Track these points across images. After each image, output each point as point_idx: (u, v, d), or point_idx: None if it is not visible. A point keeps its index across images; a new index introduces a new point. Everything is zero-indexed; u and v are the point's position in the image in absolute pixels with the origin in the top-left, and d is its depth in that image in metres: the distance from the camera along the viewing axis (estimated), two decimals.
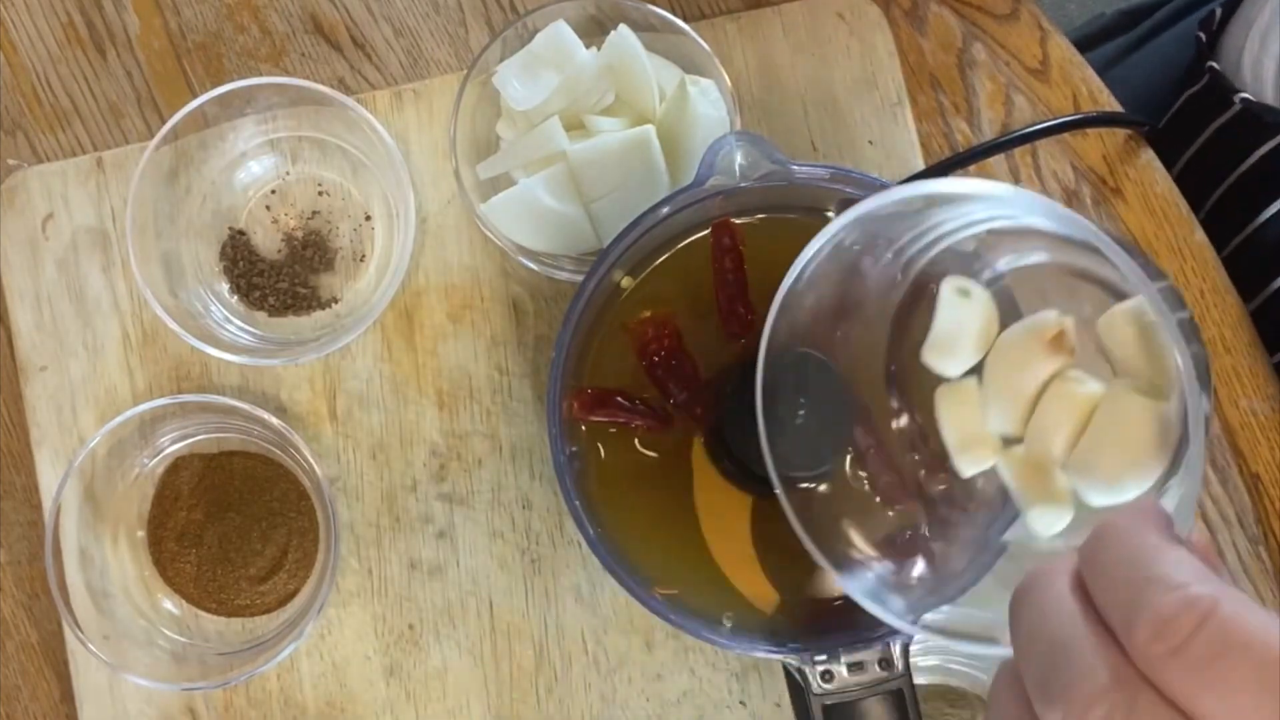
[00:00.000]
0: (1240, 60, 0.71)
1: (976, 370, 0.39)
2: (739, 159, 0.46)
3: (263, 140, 0.60)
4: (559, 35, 0.56)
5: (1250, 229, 0.68)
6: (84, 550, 0.56)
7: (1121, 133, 0.62)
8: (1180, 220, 0.61)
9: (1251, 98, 0.69)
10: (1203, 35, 0.75)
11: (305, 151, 0.60)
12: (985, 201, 0.37)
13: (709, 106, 0.55)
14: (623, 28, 0.55)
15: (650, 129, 0.55)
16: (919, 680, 0.59)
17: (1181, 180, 0.63)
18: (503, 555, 0.58)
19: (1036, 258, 0.40)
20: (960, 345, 0.38)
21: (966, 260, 0.40)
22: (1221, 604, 0.27)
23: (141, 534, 0.58)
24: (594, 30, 0.58)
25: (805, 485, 0.43)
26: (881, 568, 0.42)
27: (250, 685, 0.57)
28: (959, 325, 0.38)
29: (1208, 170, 0.71)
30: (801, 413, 0.45)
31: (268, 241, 0.60)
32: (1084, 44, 0.84)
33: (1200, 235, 0.61)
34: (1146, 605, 0.27)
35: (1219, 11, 0.71)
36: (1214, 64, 0.73)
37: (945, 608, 0.39)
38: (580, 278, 0.56)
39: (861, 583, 0.40)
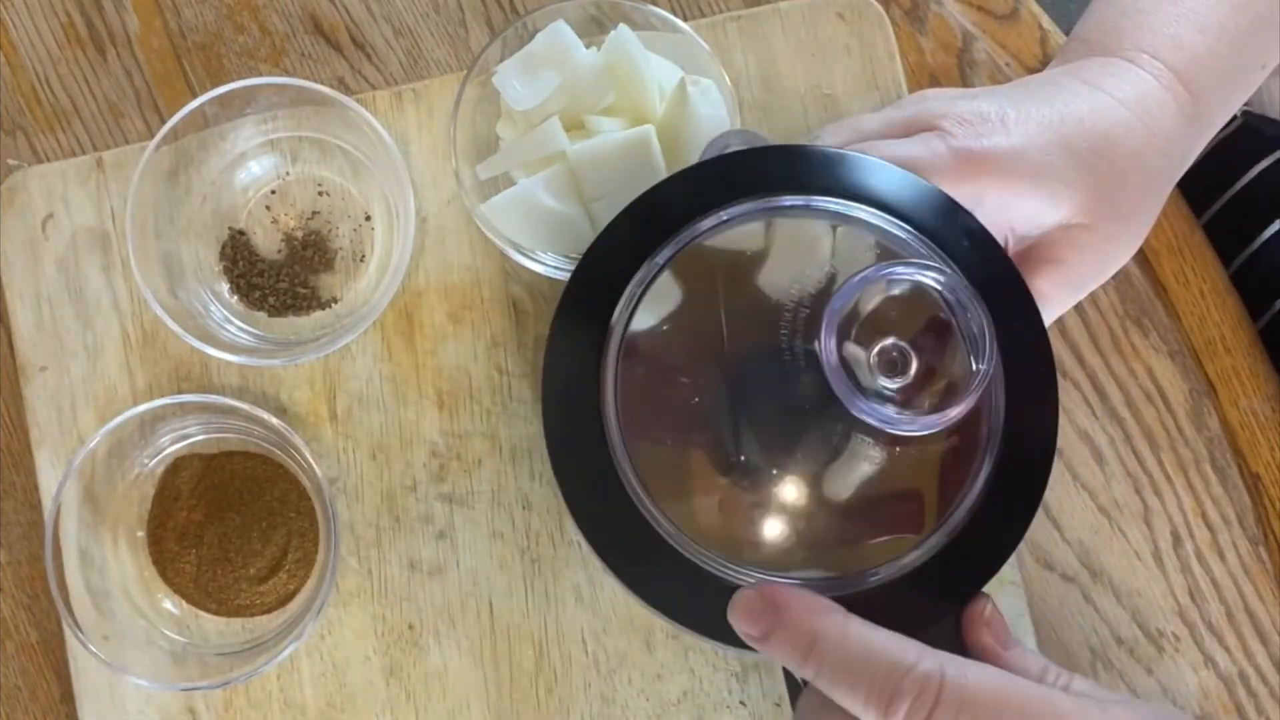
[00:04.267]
0: None
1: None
2: None
3: (263, 140, 0.60)
4: (559, 35, 0.56)
5: (1254, 246, 0.68)
6: (84, 550, 0.56)
7: None
8: (1180, 220, 0.61)
9: (1253, 110, 0.69)
10: None
11: (305, 151, 0.60)
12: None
13: (709, 106, 0.55)
14: (623, 27, 0.55)
15: (650, 129, 0.55)
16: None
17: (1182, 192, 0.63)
18: (503, 555, 0.58)
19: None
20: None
21: None
22: (945, 668, 0.36)
23: (141, 534, 0.58)
24: (594, 30, 0.58)
25: None
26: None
27: (250, 685, 0.57)
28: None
29: (1208, 183, 0.71)
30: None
31: (268, 241, 0.60)
32: None
33: (1200, 235, 0.61)
34: (896, 691, 0.36)
35: None
36: None
37: None
38: None
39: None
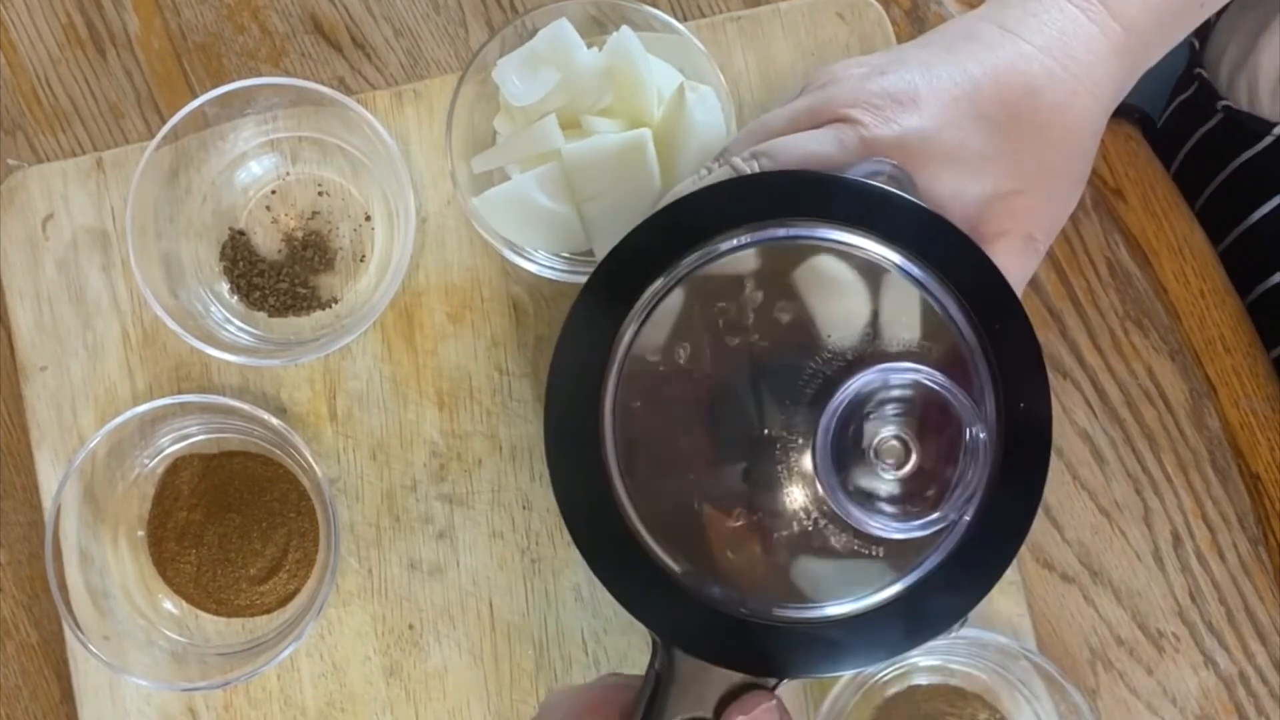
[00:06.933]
0: (1225, 67, 0.71)
1: None
2: None
3: (263, 140, 0.60)
4: (561, 34, 0.56)
5: (1236, 233, 0.68)
6: (84, 550, 0.56)
7: (1123, 134, 0.62)
8: (1181, 220, 0.61)
9: (1233, 105, 0.70)
10: (1195, 42, 0.75)
11: (305, 151, 0.60)
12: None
13: (706, 113, 0.55)
14: (625, 29, 0.55)
15: (646, 132, 0.55)
16: (919, 680, 0.59)
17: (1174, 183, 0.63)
18: (503, 555, 0.58)
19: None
20: None
21: None
22: None
23: (141, 534, 0.58)
24: (593, 30, 0.58)
25: None
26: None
27: (250, 685, 0.57)
28: None
29: (1196, 175, 0.71)
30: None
31: (268, 241, 0.60)
32: None
33: (1200, 236, 0.61)
34: None
35: (1212, 18, 0.72)
36: (1201, 71, 0.73)
37: None
38: (572, 277, 0.57)
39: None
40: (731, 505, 0.42)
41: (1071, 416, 0.59)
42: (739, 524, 0.42)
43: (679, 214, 0.44)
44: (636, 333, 0.43)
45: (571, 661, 0.58)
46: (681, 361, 0.43)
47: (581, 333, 0.43)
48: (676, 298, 0.43)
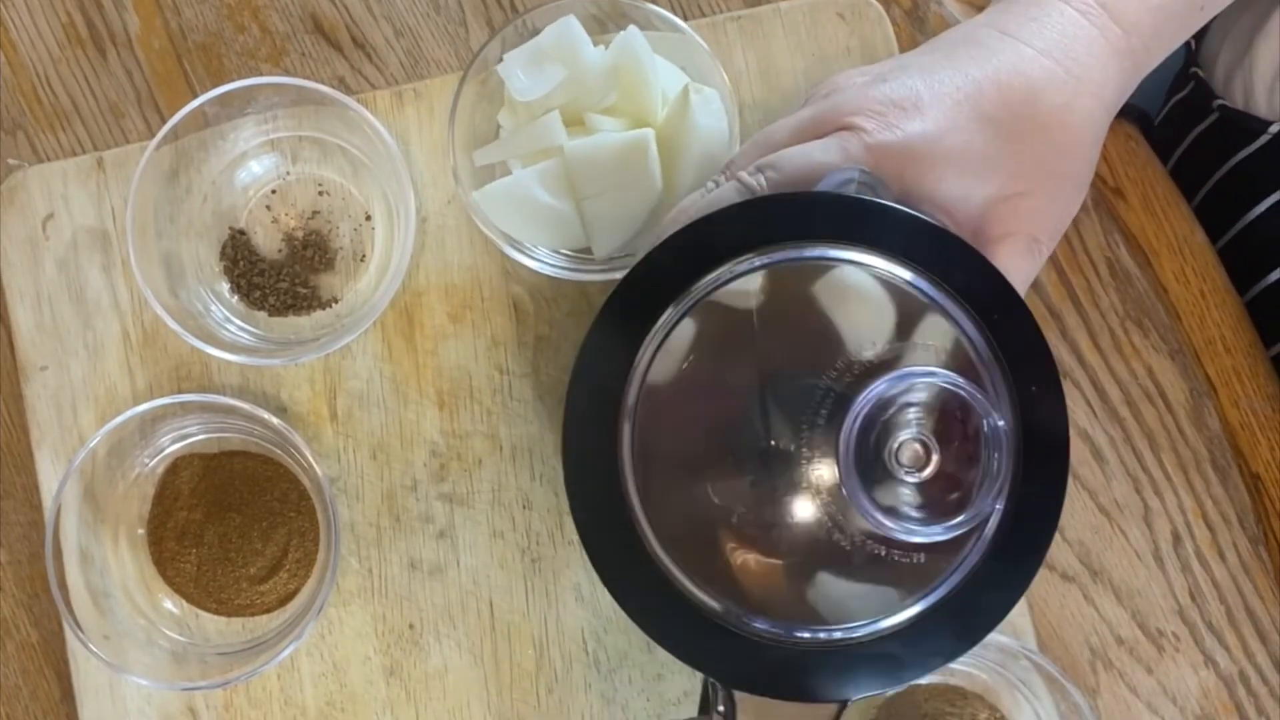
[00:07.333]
0: (1221, 66, 0.72)
1: None
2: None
3: (263, 140, 0.60)
4: (568, 30, 0.56)
5: (1233, 232, 0.68)
6: (84, 550, 0.56)
7: (1123, 133, 0.62)
8: (1181, 220, 0.61)
9: (1229, 104, 0.70)
10: (1192, 42, 0.75)
11: (305, 151, 0.60)
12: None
13: (709, 116, 0.55)
14: (632, 28, 0.55)
15: (649, 133, 0.55)
16: (919, 680, 0.59)
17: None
18: (503, 555, 0.58)
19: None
20: None
21: None
22: None
23: (141, 534, 0.58)
24: (594, 29, 0.58)
25: None
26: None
27: (250, 685, 0.57)
28: None
29: (1193, 174, 0.72)
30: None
31: (268, 241, 0.60)
32: None
33: (1201, 236, 0.61)
34: None
35: None
36: (1197, 70, 0.73)
37: None
38: (572, 274, 0.57)
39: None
40: (764, 536, 0.42)
41: (1071, 416, 0.59)
42: (776, 554, 0.42)
43: (693, 238, 0.43)
44: (652, 359, 0.42)
45: (572, 661, 0.58)
46: (700, 386, 0.43)
47: (598, 360, 0.43)
48: (692, 322, 0.42)
